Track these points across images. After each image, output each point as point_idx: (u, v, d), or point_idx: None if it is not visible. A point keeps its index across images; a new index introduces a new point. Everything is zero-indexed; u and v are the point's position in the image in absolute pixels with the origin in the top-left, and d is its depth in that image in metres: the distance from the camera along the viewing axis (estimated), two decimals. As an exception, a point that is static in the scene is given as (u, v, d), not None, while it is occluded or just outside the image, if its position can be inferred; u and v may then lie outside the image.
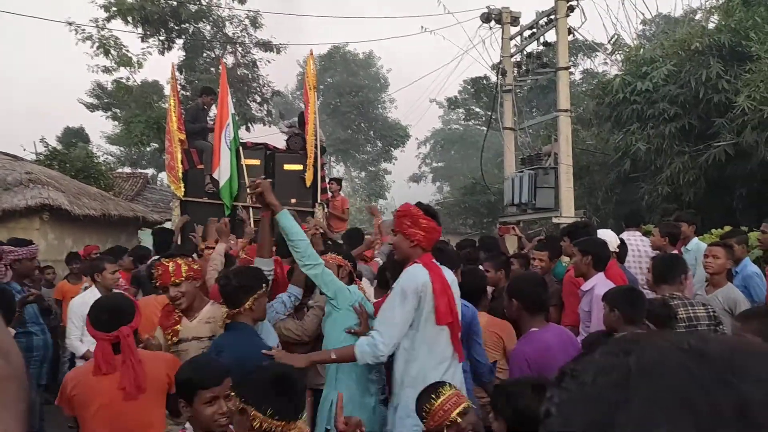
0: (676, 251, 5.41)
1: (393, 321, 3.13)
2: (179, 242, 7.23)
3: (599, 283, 4.09)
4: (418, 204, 3.38)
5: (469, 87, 28.96)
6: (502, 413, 2.37)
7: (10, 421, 0.69)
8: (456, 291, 3.36)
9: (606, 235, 5.04)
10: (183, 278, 3.47)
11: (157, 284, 3.55)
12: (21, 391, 0.72)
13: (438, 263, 3.36)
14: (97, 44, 18.81)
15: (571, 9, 11.12)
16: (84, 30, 18.65)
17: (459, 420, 2.51)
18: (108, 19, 19.14)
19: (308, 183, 8.72)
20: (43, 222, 10.88)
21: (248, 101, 23.09)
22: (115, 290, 5.38)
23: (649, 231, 6.37)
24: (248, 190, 3.75)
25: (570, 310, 4.52)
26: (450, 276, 3.37)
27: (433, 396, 2.59)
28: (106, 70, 19.68)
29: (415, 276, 3.16)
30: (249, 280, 3.27)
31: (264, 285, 3.35)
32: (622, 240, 5.32)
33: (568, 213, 10.82)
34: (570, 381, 0.57)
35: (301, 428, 2.28)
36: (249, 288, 3.23)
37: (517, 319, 3.44)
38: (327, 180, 9.67)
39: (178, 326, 3.55)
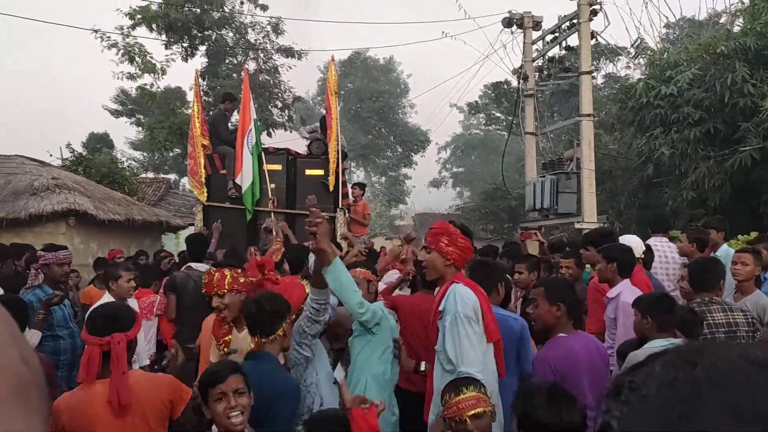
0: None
1: (473, 349, 3.06)
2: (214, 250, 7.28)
3: (625, 290, 4.02)
4: (452, 222, 3.36)
5: (489, 92, 28.92)
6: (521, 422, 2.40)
7: (37, 425, 0.70)
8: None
9: (631, 240, 4.97)
10: (225, 290, 3.48)
11: (203, 291, 3.62)
12: (42, 397, 0.74)
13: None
14: (122, 51, 19.10)
15: (594, 13, 11.06)
16: (109, 37, 18.97)
17: (468, 422, 2.54)
18: (133, 27, 19.45)
19: (331, 188, 8.76)
20: (69, 226, 11.05)
21: (270, 107, 23.27)
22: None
23: (676, 236, 6.29)
24: (306, 223, 3.10)
25: (595, 318, 4.45)
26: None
27: (454, 391, 2.63)
28: (131, 76, 19.96)
29: (468, 298, 3.11)
30: (280, 306, 3.07)
31: (289, 310, 3.18)
32: (648, 246, 5.25)
33: (590, 218, 10.74)
34: (630, 394, 0.56)
35: None
36: (282, 313, 3.06)
37: (554, 325, 3.35)
38: (349, 185, 9.70)
39: (229, 336, 3.57)
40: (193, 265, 5.83)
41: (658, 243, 5.77)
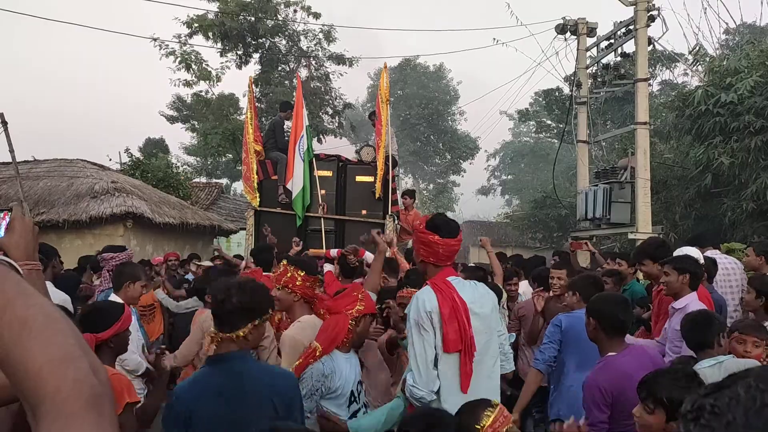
0: (769, 272, 5.10)
1: (416, 357, 2.90)
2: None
3: (692, 302, 3.93)
4: (434, 215, 3.18)
5: (540, 99, 28.57)
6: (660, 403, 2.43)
7: None
8: (484, 310, 3.05)
9: (691, 253, 4.83)
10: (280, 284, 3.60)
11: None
12: (113, 407, 0.76)
13: (459, 279, 3.10)
14: (179, 59, 19.66)
15: (652, 19, 10.82)
16: (167, 45, 19.56)
17: None
18: (190, 35, 20.02)
19: (376, 195, 8.78)
20: (127, 229, 11.40)
21: (320, 113, 23.53)
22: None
23: (736, 249, 6.06)
24: None
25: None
26: (477, 294, 3.08)
27: (482, 418, 2.40)
28: (187, 83, 20.52)
29: (423, 304, 2.92)
30: (253, 302, 2.54)
31: (270, 311, 2.71)
32: (713, 260, 5.12)
33: (644, 228, 10.48)
34: (712, 419, 0.53)
35: None
36: (251, 311, 2.52)
37: (594, 340, 3.31)
38: (399, 192, 9.70)
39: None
40: None
41: (722, 257, 5.58)
